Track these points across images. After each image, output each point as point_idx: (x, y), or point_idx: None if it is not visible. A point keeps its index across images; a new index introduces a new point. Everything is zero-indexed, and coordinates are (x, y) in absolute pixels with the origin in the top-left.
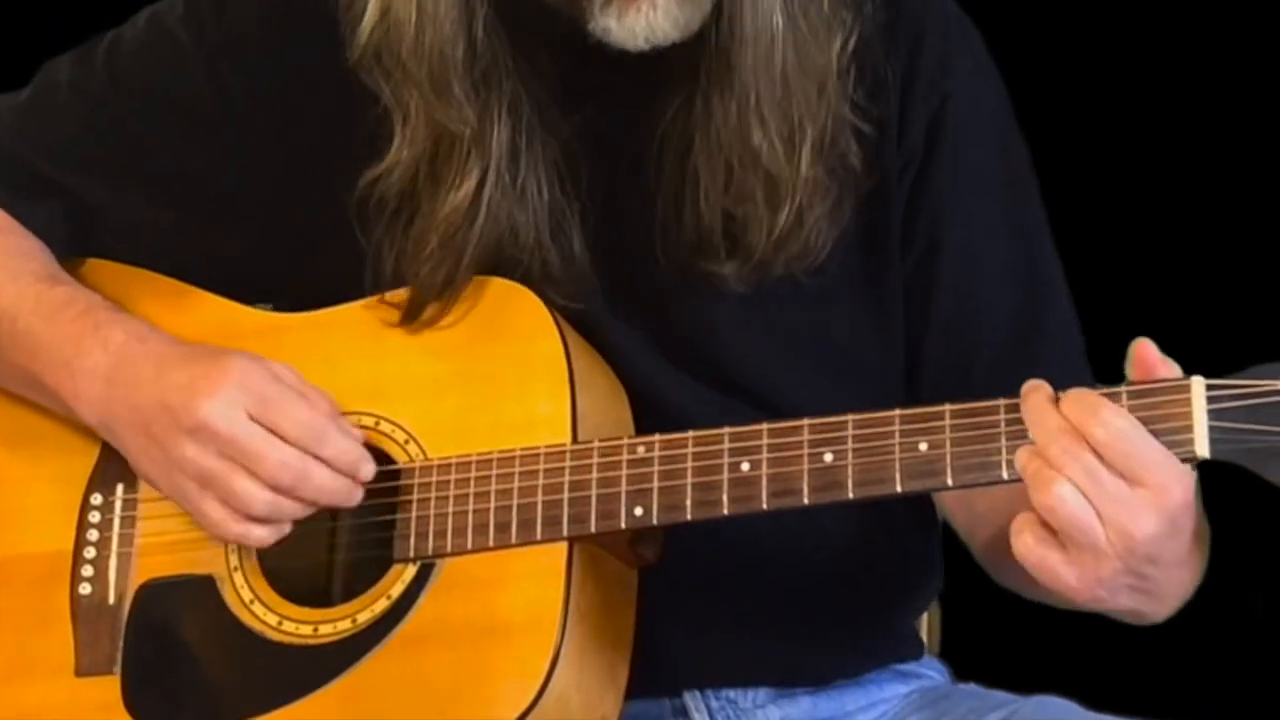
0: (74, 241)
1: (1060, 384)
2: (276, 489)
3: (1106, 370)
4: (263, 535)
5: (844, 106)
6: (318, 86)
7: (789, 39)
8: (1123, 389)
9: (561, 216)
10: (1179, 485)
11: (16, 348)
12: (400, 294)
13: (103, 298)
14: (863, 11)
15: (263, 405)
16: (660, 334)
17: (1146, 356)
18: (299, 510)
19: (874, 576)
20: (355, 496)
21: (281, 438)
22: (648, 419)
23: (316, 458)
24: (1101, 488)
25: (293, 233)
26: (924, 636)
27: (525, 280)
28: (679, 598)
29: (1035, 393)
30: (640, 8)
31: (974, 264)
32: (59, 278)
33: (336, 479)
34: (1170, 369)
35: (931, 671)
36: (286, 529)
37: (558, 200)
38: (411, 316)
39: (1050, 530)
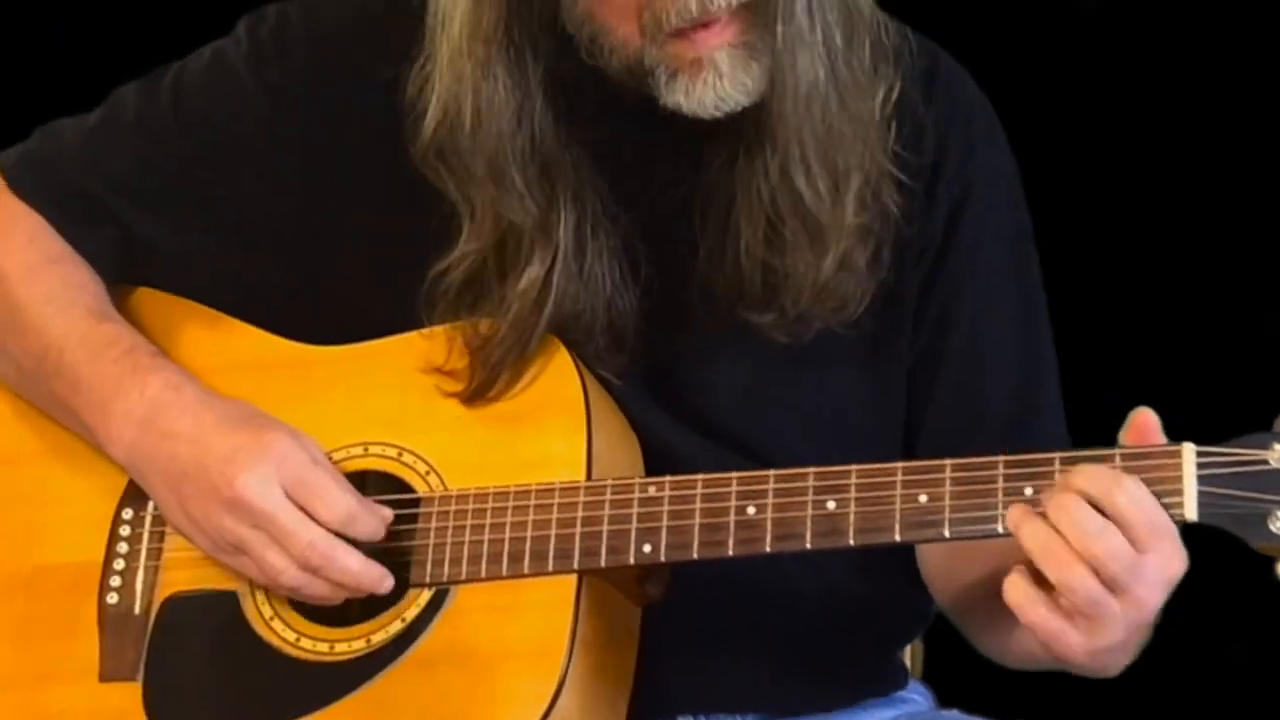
0: (123, 270)
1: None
2: (304, 568)
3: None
4: (310, 595)
5: (884, 156)
6: (379, 147)
7: (832, 92)
8: (1116, 451)
9: (621, 300)
10: (1181, 555)
11: (60, 379)
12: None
13: (146, 340)
14: (901, 62)
15: (299, 486)
16: (677, 401)
17: (1145, 424)
18: (327, 591)
19: (866, 615)
20: (386, 584)
21: (314, 519)
22: (654, 469)
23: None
24: (1125, 565)
25: (335, 275)
26: (907, 662)
27: (581, 358)
28: (677, 628)
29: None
30: (707, 79)
31: (980, 345)
32: (107, 314)
33: (366, 566)
34: (1161, 438)
35: (916, 695)
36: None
37: (618, 284)
38: (479, 394)
39: (1052, 598)
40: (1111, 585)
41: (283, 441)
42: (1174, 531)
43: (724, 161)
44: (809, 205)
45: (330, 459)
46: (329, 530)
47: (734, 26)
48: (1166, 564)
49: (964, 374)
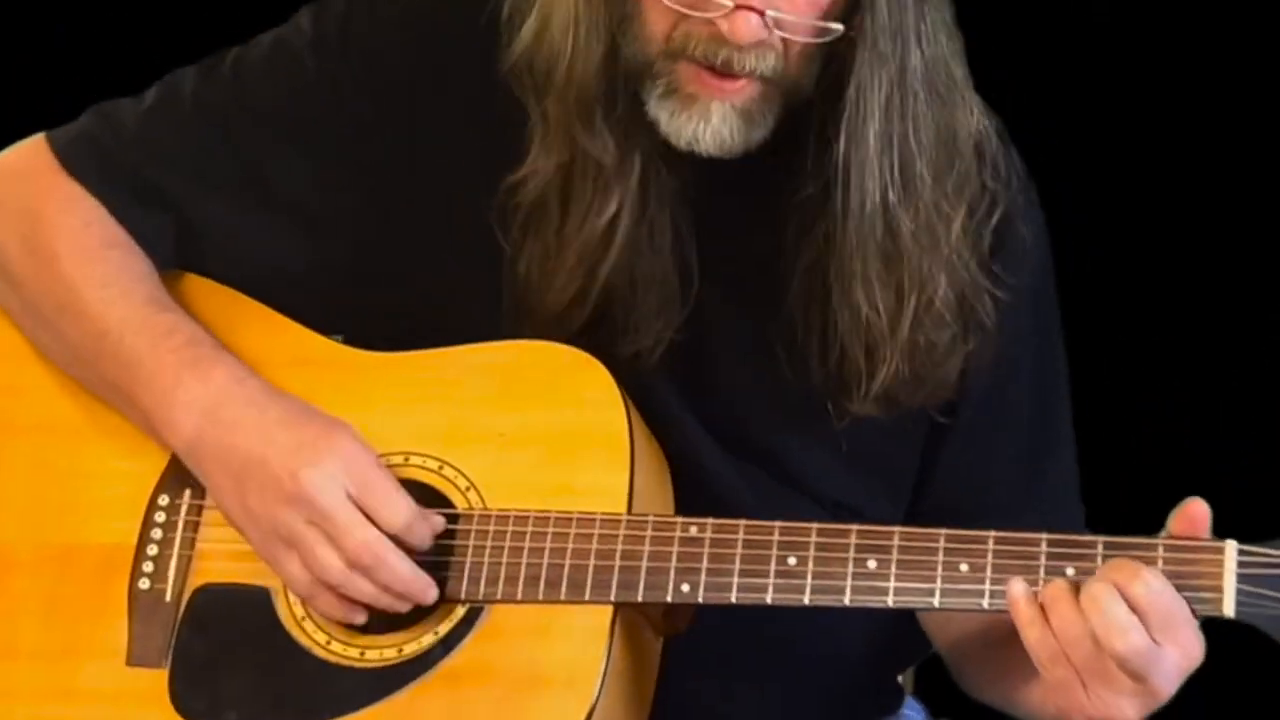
0: (180, 254)
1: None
2: (354, 566)
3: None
4: (328, 607)
5: (976, 273)
6: (456, 114)
7: (900, 214)
8: (1160, 540)
9: (667, 267)
10: (1199, 645)
11: (118, 364)
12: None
13: (205, 331)
14: (1010, 185)
15: (364, 489)
16: (697, 394)
17: (1196, 515)
18: (372, 593)
19: (871, 645)
20: (430, 595)
21: (372, 521)
22: (684, 486)
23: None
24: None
25: (396, 267)
26: (900, 678)
27: (631, 305)
28: (688, 655)
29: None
30: (694, 116)
31: (991, 423)
32: (165, 303)
33: (414, 572)
34: (1208, 532)
35: (911, 711)
36: (359, 618)
37: (673, 252)
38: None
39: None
40: (1130, 676)
41: (349, 442)
42: (1192, 622)
43: (809, 225)
44: (865, 317)
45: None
46: (385, 534)
47: (748, 91)
48: (1184, 656)
49: (972, 444)
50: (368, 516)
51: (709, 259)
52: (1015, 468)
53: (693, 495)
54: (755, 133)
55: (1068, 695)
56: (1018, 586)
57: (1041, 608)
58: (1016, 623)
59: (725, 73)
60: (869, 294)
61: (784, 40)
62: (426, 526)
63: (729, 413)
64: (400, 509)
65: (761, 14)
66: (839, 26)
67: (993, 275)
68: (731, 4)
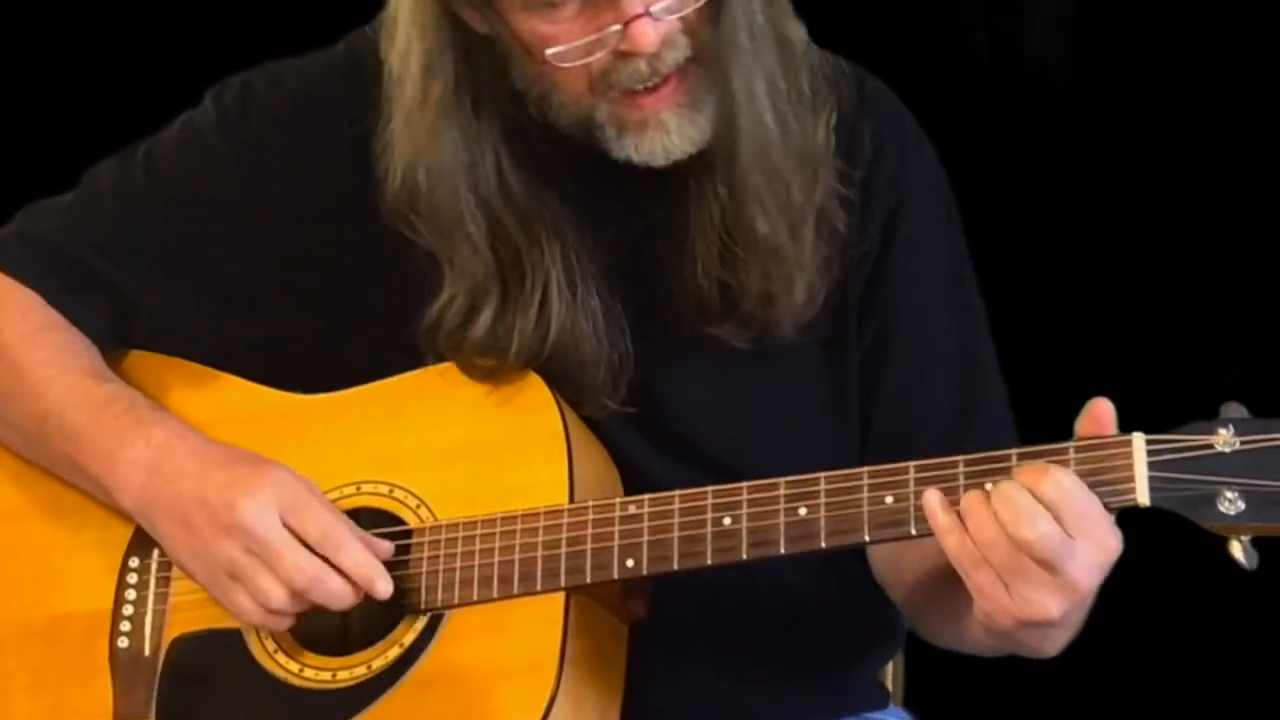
0: (115, 334)
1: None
2: (292, 590)
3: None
4: (283, 628)
5: (832, 178)
6: (347, 201)
7: (780, 132)
8: (1070, 444)
9: (616, 321)
10: (1115, 538)
11: (63, 438)
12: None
13: (144, 396)
14: (838, 86)
15: (292, 512)
16: (649, 420)
17: (1101, 414)
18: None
19: (838, 632)
20: (380, 587)
21: (304, 544)
22: (636, 492)
23: (336, 568)
24: (1049, 549)
25: (317, 325)
26: (889, 686)
27: (581, 382)
28: (662, 650)
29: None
30: (654, 135)
31: (921, 348)
32: (104, 375)
33: (348, 590)
34: (1114, 428)
35: (893, 719)
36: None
37: (609, 306)
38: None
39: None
40: (1036, 559)
41: (280, 471)
42: (1105, 516)
43: (677, 196)
44: (765, 241)
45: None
46: (317, 554)
47: (681, 86)
48: (1099, 548)
49: (907, 373)
50: (299, 538)
51: (626, 283)
52: (949, 399)
53: None
54: (709, 111)
55: (994, 600)
56: (932, 497)
57: (960, 518)
58: (935, 532)
59: (655, 85)
60: (767, 218)
61: (681, 19)
62: (362, 550)
63: (675, 425)
64: (325, 524)
65: (649, 14)
66: None
67: (839, 174)
68: (620, 26)
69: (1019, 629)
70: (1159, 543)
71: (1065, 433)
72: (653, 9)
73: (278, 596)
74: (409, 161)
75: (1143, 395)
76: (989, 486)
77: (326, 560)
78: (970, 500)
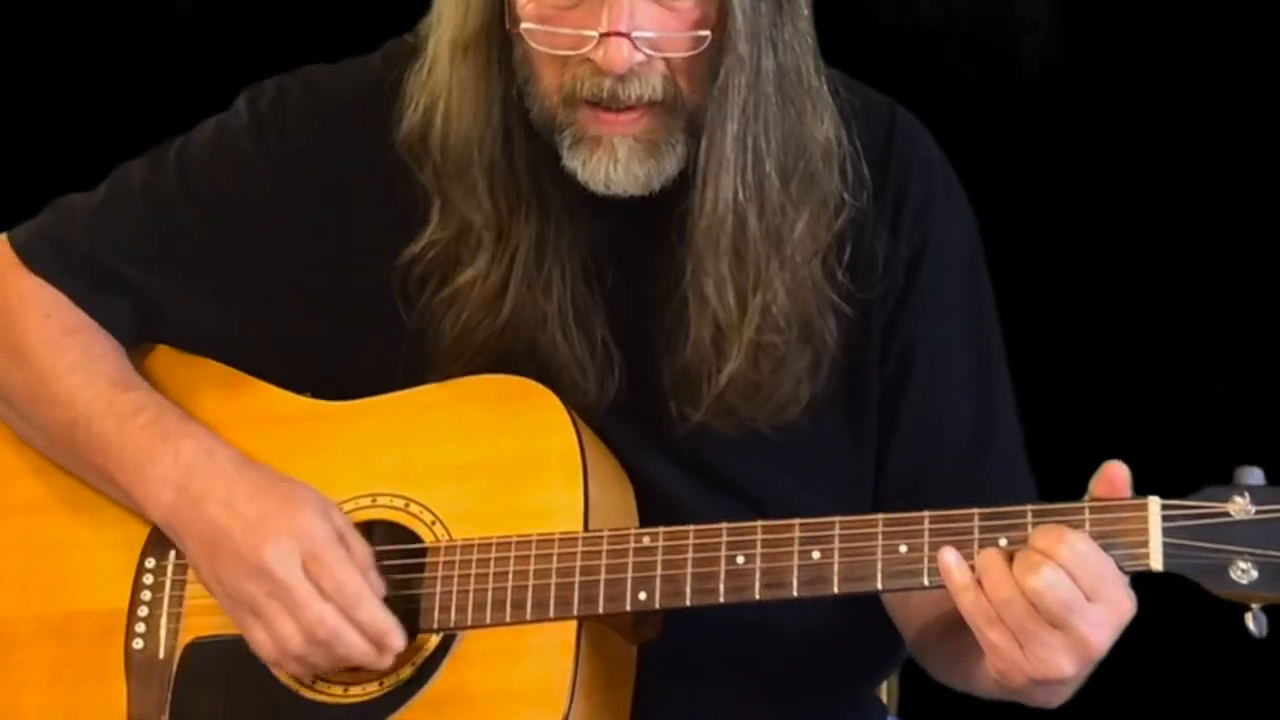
0: (140, 334)
1: (1005, 499)
2: (310, 641)
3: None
4: (296, 670)
5: (821, 281)
6: (371, 189)
7: (750, 212)
8: (1085, 504)
9: (587, 308)
10: (1129, 600)
11: (91, 448)
12: (433, 383)
13: (171, 403)
14: (859, 196)
15: (314, 561)
16: (663, 433)
17: (1115, 476)
18: (329, 664)
19: (844, 655)
20: (383, 662)
21: (321, 594)
22: (648, 508)
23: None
24: (1059, 604)
25: (342, 329)
26: (884, 698)
27: (556, 365)
28: (666, 664)
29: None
30: (602, 159)
31: (938, 385)
32: (130, 381)
33: (365, 646)
34: (1129, 491)
35: None
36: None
37: (581, 293)
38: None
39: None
40: (1052, 621)
41: (308, 516)
42: (1120, 579)
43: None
44: (714, 311)
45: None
46: (335, 607)
47: (644, 121)
48: (1114, 610)
49: (923, 410)
50: (319, 589)
51: (630, 296)
52: (963, 437)
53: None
54: (665, 163)
55: (1008, 658)
56: (949, 556)
57: (975, 575)
58: (951, 590)
59: (616, 107)
60: (720, 288)
61: (666, 61)
62: (378, 606)
63: (685, 442)
64: (343, 578)
65: (629, 37)
66: (706, 34)
67: (838, 286)
68: (597, 34)
69: (1030, 686)
70: (1161, 599)
71: (1067, 452)
72: (634, 32)
73: (296, 642)
74: (433, 95)
75: (1156, 455)
76: (1003, 542)
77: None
78: (988, 559)
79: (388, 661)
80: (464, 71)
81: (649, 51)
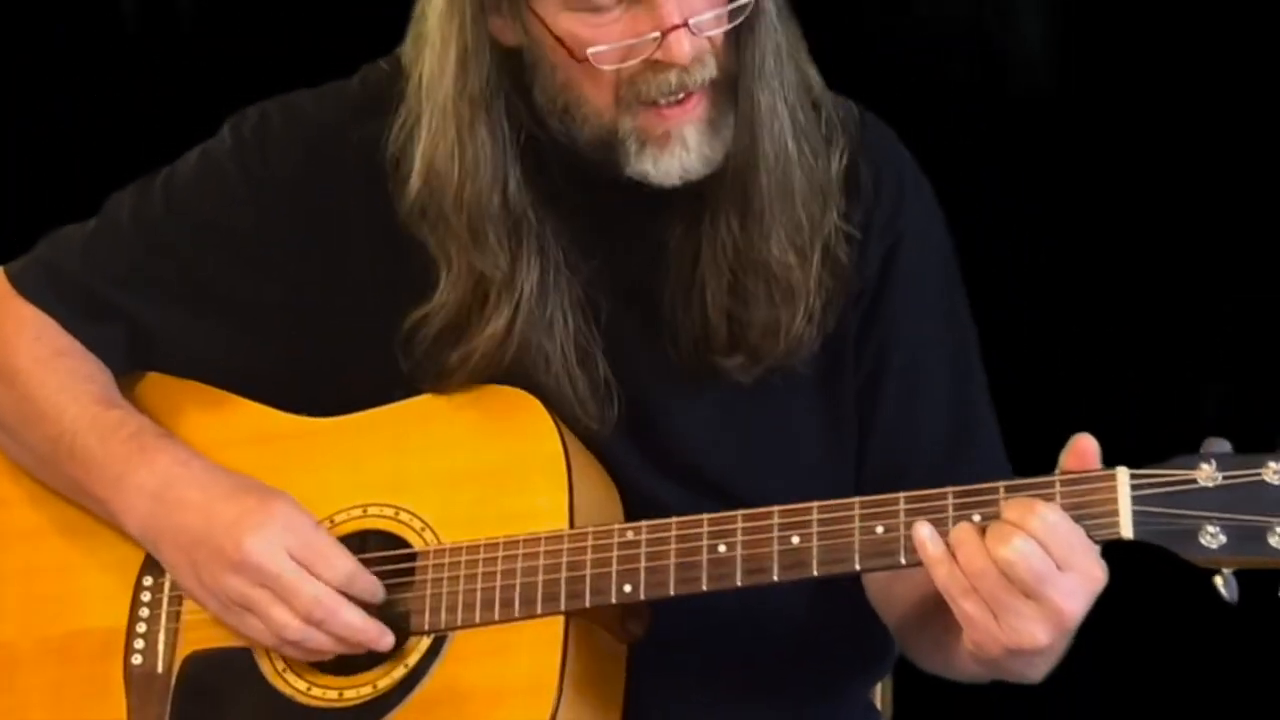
0: (129, 360)
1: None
2: (308, 621)
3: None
4: (296, 654)
5: (839, 216)
6: (359, 219)
7: (799, 161)
8: (1055, 477)
9: (587, 345)
10: (1100, 568)
11: (73, 462)
12: (422, 396)
13: (152, 421)
14: (847, 127)
15: (304, 548)
16: (652, 444)
17: (1085, 449)
18: (329, 644)
19: (833, 655)
20: (386, 641)
21: (317, 578)
22: (635, 515)
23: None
24: (1030, 573)
25: (329, 350)
26: (877, 704)
27: (557, 401)
28: (660, 670)
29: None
30: (674, 151)
31: (915, 382)
32: (114, 400)
33: (366, 620)
34: (1098, 462)
35: None
36: (327, 656)
37: (581, 330)
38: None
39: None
40: (1025, 590)
41: (286, 507)
42: (1091, 548)
43: (688, 223)
44: (776, 268)
45: (330, 524)
46: (331, 586)
47: (704, 102)
48: (1086, 578)
49: (900, 406)
50: (311, 572)
51: (625, 321)
52: (941, 430)
53: None
54: (725, 134)
55: (982, 629)
56: (923, 530)
57: (949, 548)
58: (926, 563)
59: (681, 99)
60: (780, 247)
61: (709, 39)
62: (368, 578)
63: (675, 447)
64: (339, 564)
65: (688, 26)
66: (748, 0)
67: (843, 215)
68: (658, 34)
69: (1007, 657)
70: (1138, 571)
71: (1048, 444)
72: (691, 22)
73: (293, 627)
74: (433, 157)
75: (1125, 428)
76: (977, 518)
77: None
78: (961, 532)
79: (388, 641)
80: (473, 125)
81: (704, 35)
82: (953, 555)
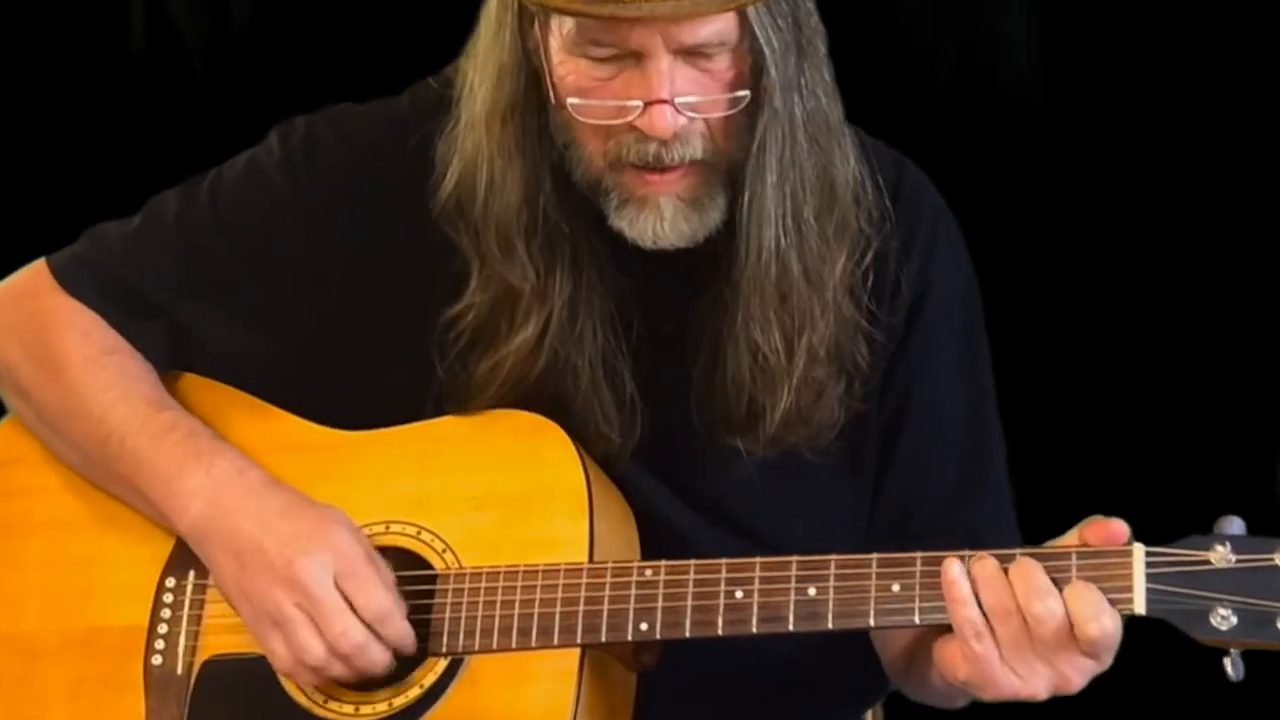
0: (173, 359)
1: (989, 539)
2: (333, 653)
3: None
4: (308, 682)
5: (854, 312)
6: (400, 231)
7: (792, 257)
8: (1073, 549)
9: (615, 361)
10: (1111, 656)
11: (123, 462)
12: (450, 417)
13: (203, 424)
14: (882, 229)
15: (347, 577)
16: (671, 471)
17: (1115, 532)
18: (347, 676)
19: (832, 685)
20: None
21: (353, 609)
22: (658, 545)
23: (379, 637)
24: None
25: (365, 359)
26: None
27: (582, 414)
28: (665, 699)
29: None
30: (649, 216)
31: (932, 426)
32: (164, 402)
33: (388, 661)
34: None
35: None
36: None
37: (610, 347)
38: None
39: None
40: (1044, 649)
41: (341, 533)
42: (1096, 611)
43: (715, 295)
44: (764, 355)
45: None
46: (363, 622)
47: (688, 179)
48: (1100, 666)
49: (915, 452)
50: (350, 603)
51: (655, 346)
52: (950, 481)
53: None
54: (709, 217)
55: (985, 670)
56: (953, 568)
57: (974, 584)
58: (949, 602)
59: (661, 168)
60: (766, 331)
61: (706, 121)
62: (401, 627)
63: (707, 489)
64: (377, 595)
65: (673, 103)
66: (746, 93)
67: (869, 314)
68: (641, 104)
69: (994, 697)
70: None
71: (1048, 489)
72: (676, 98)
73: (318, 654)
74: (470, 164)
75: (1140, 506)
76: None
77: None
78: (987, 568)
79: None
80: (502, 141)
81: (691, 114)
82: (975, 588)
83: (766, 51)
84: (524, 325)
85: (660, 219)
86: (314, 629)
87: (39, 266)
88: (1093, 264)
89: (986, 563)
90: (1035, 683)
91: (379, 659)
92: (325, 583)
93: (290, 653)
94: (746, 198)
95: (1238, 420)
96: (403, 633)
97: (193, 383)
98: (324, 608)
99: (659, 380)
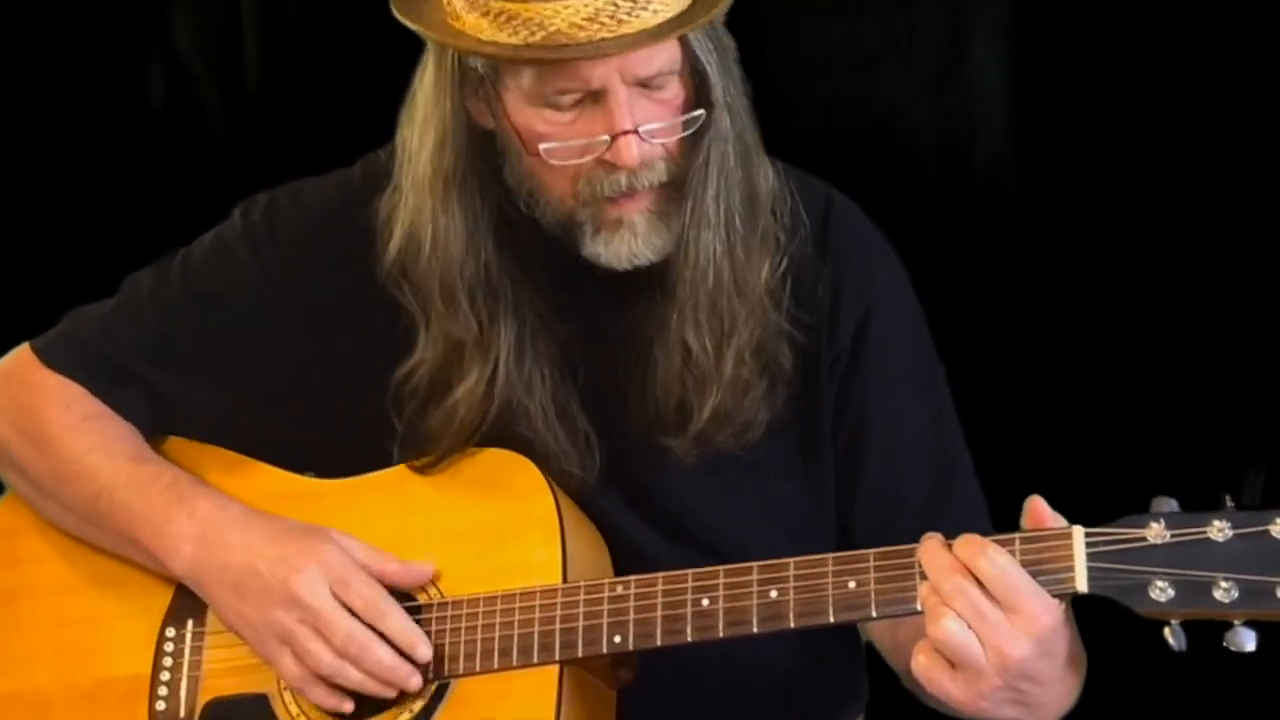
0: (155, 422)
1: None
2: (343, 656)
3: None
4: (321, 696)
5: (776, 316)
6: (353, 295)
7: (725, 264)
8: (1015, 535)
9: (565, 401)
10: (1047, 613)
11: (114, 517)
12: (423, 460)
13: (184, 472)
14: (796, 236)
15: (340, 584)
16: (636, 497)
17: (1038, 510)
18: (359, 680)
19: (810, 696)
20: (413, 682)
21: (350, 611)
22: (625, 566)
23: (381, 635)
24: (984, 618)
25: (331, 416)
26: None
27: (541, 453)
28: (646, 713)
29: (930, 539)
30: (624, 236)
31: (895, 441)
32: (146, 456)
33: (395, 659)
34: (1057, 520)
35: None
36: (347, 707)
37: (559, 388)
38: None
39: (942, 654)
40: (980, 637)
41: (327, 548)
42: (1035, 592)
43: (642, 306)
44: (695, 357)
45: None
46: (363, 622)
47: (653, 196)
48: (1030, 621)
49: (883, 469)
50: (348, 608)
51: (601, 374)
52: (925, 487)
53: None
54: (674, 229)
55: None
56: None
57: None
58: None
59: (632, 193)
60: (698, 336)
61: (664, 145)
62: (404, 618)
63: (664, 506)
64: (368, 593)
65: (637, 132)
66: (701, 113)
67: (791, 317)
68: (608, 138)
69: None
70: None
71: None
72: (640, 129)
73: (326, 661)
74: (412, 226)
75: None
76: None
77: (372, 628)
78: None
79: (416, 682)
80: (445, 200)
81: (653, 141)
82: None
83: (709, 73)
84: (470, 374)
85: (634, 236)
86: (319, 638)
87: (24, 349)
88: (1066, 278)
89: (928, 541)
90: (985, 678)
91: (385, 657)
92: (321, 593)
93: (301, 667)
94: (689, 205)
95: (1211, 432)
96: (403, 626)
97: (177, 445)
98: (324, 615)
99: (608, 406)
